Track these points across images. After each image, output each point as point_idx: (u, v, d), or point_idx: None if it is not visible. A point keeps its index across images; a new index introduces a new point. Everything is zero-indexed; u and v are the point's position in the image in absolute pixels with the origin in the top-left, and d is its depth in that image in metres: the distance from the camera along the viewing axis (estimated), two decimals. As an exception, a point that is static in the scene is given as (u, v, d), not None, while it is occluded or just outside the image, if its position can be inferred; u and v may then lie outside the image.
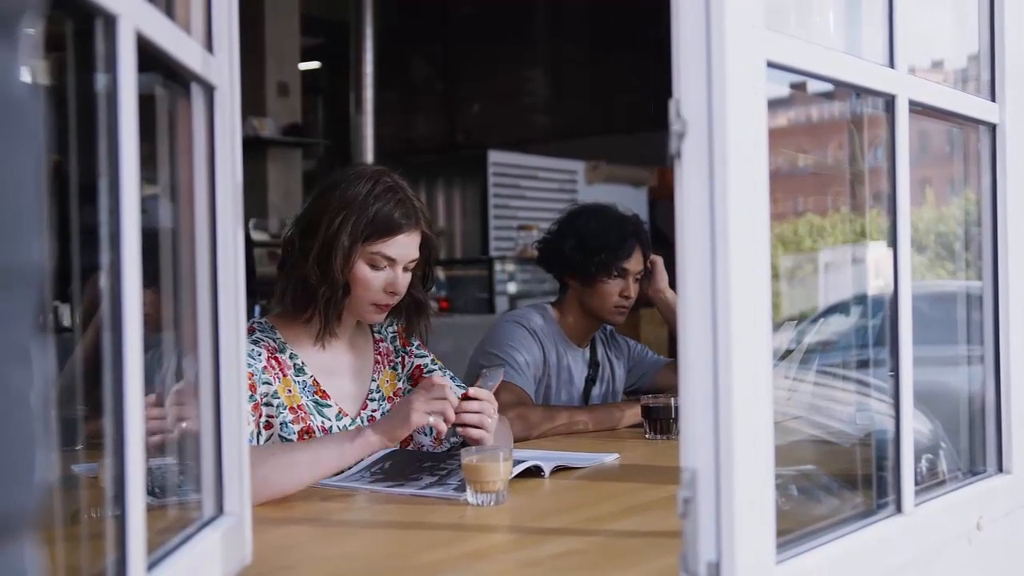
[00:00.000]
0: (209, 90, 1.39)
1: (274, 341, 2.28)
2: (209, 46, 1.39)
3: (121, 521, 1.03)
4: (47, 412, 0.61)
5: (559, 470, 2.24)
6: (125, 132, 1.04)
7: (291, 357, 2.30)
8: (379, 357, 2.46)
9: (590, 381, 3.21)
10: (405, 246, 2.30)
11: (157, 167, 1.35)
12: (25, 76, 0.59)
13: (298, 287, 2.28)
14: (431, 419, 2.09)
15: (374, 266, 2.28)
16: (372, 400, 2.40)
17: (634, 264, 3.09)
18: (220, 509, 1.40)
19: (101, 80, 1.05)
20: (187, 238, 1.39)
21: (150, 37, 1.12)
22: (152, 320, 1.23)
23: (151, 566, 1.12)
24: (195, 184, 1.39)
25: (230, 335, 1.42)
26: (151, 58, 1.15)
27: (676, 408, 2.72)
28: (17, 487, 0.58)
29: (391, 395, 2.44)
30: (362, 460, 2.14)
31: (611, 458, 2.41)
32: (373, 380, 2.43)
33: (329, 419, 2.29)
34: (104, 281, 1.04)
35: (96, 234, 1.06)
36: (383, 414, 2.37)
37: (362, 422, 2.34)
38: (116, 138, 1.04)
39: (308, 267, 2.25)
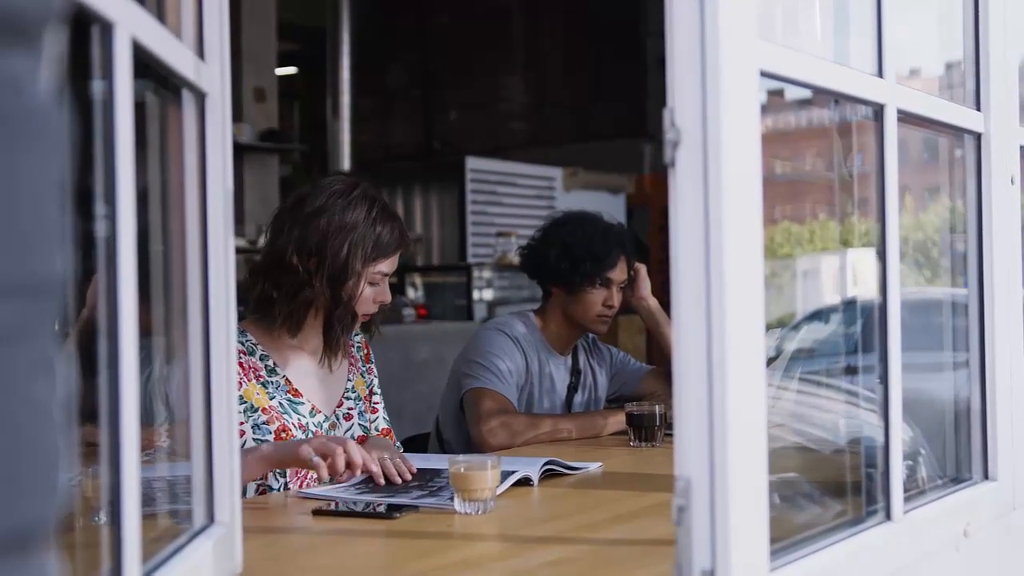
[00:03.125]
0: (200, 97, 1.38)
1: (243, 344, 2.30)
2: (201, 53, 1.38)
3: (116, 531, 1.02)
4: (68, 423, 0.61)
5: (548, 476, 2.25)
6: (121, 139, 1.03)
7: (262, 359, 2.35)
8: (352, 360, 2.54)
9: (572, 389, 3.21)
10: (396, 261, 2.42)
11: (147, 173, 1.35)
12: (48, 86, 0.59)
13: (303, 308, 2.33)
14: (315, 459, 2.02)
15: (372, 283, 2.37)
16: (348, 399, 2.48)
17: (618, 274, 3.10)
18: (211, 518, 1.39)
19: (96, 87, 1.04)
20: (178, 245, 1.38)
21: (145, 44, 1.11)
22: (140, 326, 1.22)
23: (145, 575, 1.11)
24: (186, 191, 1.38)
25: (220, 344, 1.41)
26: (143, 64, 1.15)
27: (660, 415, 2.73)
28: (42, 499, 0.58)
29: (365, 396, 2.53)
30: (350, 479, 2.15)
31: (595, 467, 2.41)
32: (349, 380, 2.51)
33: (303, 416, 2.35)
34: (100, 288, 1.04)
35: (90, 240, 1.05)
36: (359, 413, 2.48)
37: (337, 419, 2.43)
38: (112, 144, 1.03)
39: (317, 291, 2.30)
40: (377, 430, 2.49)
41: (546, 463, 2.26)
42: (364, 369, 2.57)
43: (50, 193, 0.58)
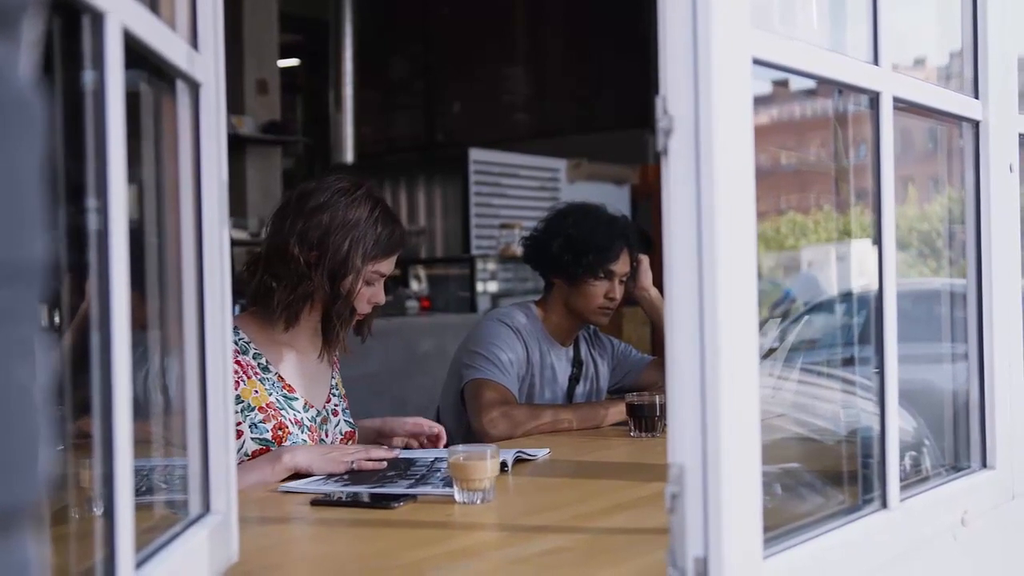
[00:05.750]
0: (195, 87, 1.38)
1: (236, 343, 2.32)
2: (194, 43, 1.38)
3: (109, 519, 1.03)
4: (49, 407, 0.61)
5: (518, 462, 2.31)
6: (112, 129, 1.04)
7: (255, 357, 2.38)
8: (335, 360, 2.58)
9: (574, 380, 3.21)
10: (394, 263, 2.46)
11: (141, 165, 1.35)
12: (26, 73, 0.59)
13: (301, 301, 2.36)
14: (342, 467, 2.21)
15: (368, 283, 2.40)
16: (334, 395, 2.53)
17: (621, 266, 3.10)
18: (207, 507, 1.40)
19: (87, 77, 1.04)
20: (172, 237, 1.39)
21: (137, 34, 1.11)
22: (136, 320, 1.22)
23: (139, 564, 1.11)
24: (180, 182, 1.38)
25: (216, 335, 1.41)
26: (136, 55, 1.15)
27: (661, 406, 2.73)
28: (21, 481, 0.58)
29: (344, 394, 2.58)
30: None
31: (543, 453, 2.46)
32: (333, 378, 2.55)
33: (298, 411, 2.39)
34: (91, 281, 1.04)
35: (78, 233, 1.05)
36: (343, 410, 2.54)
37: (327, 413, 2.48)
38: (103, 135, 1.03)
39: (316, 284, 2.34)
40: (341, 433, 2.51)
41: (516, 452, 2.33)
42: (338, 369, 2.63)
43: (30, 180, 0.58)
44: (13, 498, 0.57)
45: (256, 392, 2.33)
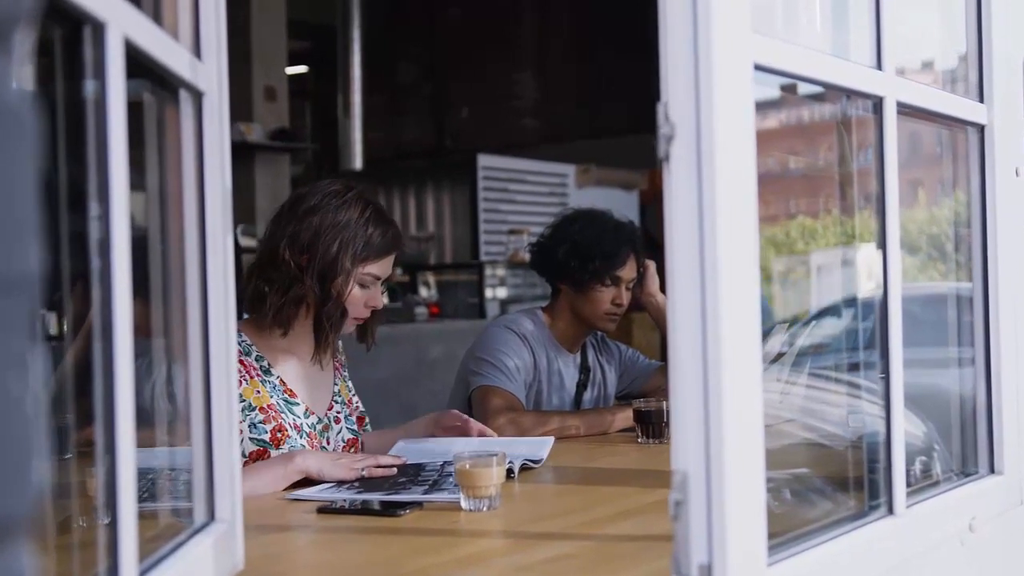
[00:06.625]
0: (198, 96, 1.38)
1: (239, 345, 2.32)
2: (197, 52, 1.38)
3: (113, 528, 1.03)
4: (43, 418, 0.61)
5: (524, 469, 2.30)
6: (114, 138, 1.04)
7: (257, 359, 2.38)
8: (337, 365, 2.58)
9: (581, 386, 3.21)
10: (390, 265, 2.44)
11: (145, 174, 1.35)
12: (20, 83, 0.59)
13: (293, 304, 2.36)
14: (352, 474, 2.20)
15: (363, 285, 2.39)
16: (336, 402, 2.53)
17: (627, 272, 3.09)
18: (212, 516, 1.40)
19: (89, 87, 1.05)
20: (176, 245, 1.39)
21: (138, 44, 1.11)
22: (141, 329, 1.22)
23: (143, 573, 1.11)
24: (184, 191, 1.39)
25: (220, 342, 1.42)
26: (139, 64, 1.15)
27: (668, 412, 2.72)
28: (14, 493, 0.58)
29: (348, 400, 2.57)
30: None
31: (547, 444, 2.47)
32: (335, 384, 2.55)
33: (298, 416, 2.39)
34: (94, 289, 1.04)
35: (84, 241, 1.06)
36: (345, 417, 2.52)
37: (328, 421, 2.48)
38: (105, 144, 1.03)
39: (307, 287, 2.34)
40: (343, 441, 2.51)
41: (523, 460, 2.31)
42: (345, 375, 2.62)
43: (24, 191, 0.58)
44: (7, 509, 0.57)
45: (258, 392, 2.33)
